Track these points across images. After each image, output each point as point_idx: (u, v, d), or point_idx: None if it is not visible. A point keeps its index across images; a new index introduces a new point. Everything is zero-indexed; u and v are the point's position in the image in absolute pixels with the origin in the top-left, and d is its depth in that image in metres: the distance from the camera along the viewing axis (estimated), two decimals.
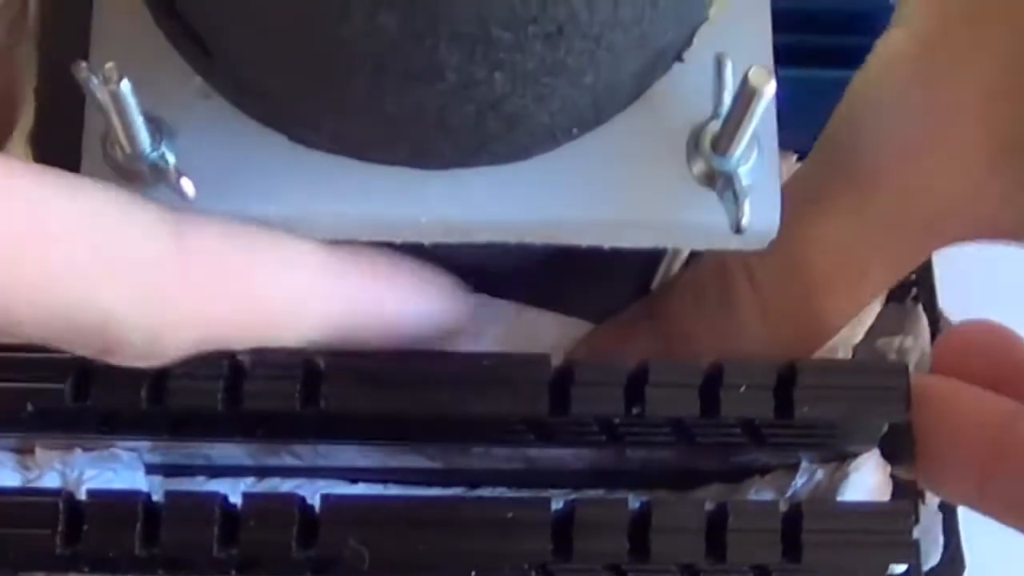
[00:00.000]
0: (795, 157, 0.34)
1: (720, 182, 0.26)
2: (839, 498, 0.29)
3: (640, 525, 0.27)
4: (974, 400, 0.29)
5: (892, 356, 0.33)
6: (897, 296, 0.34)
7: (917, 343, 0.34)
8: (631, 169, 0.27)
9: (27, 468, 0.29)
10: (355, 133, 0.26)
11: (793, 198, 0.28)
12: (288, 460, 0.30)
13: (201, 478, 0.30)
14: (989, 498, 0.28)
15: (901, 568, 0.29)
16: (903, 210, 0.28)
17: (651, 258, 0.31)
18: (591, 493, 0.30)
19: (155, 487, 0.27)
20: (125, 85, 0.24)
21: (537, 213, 0.26)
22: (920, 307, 0.35)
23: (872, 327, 0.33)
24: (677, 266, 0.31)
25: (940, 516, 0.33)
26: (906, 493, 0.30)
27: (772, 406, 0.27)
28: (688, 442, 0.28)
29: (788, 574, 0.27)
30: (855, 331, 0.33)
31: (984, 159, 0.27)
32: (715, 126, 0.26)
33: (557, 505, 0.27)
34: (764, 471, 0.30)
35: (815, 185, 0.29)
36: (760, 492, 0.30)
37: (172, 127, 0.26)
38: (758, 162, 0.26)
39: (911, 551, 0.27)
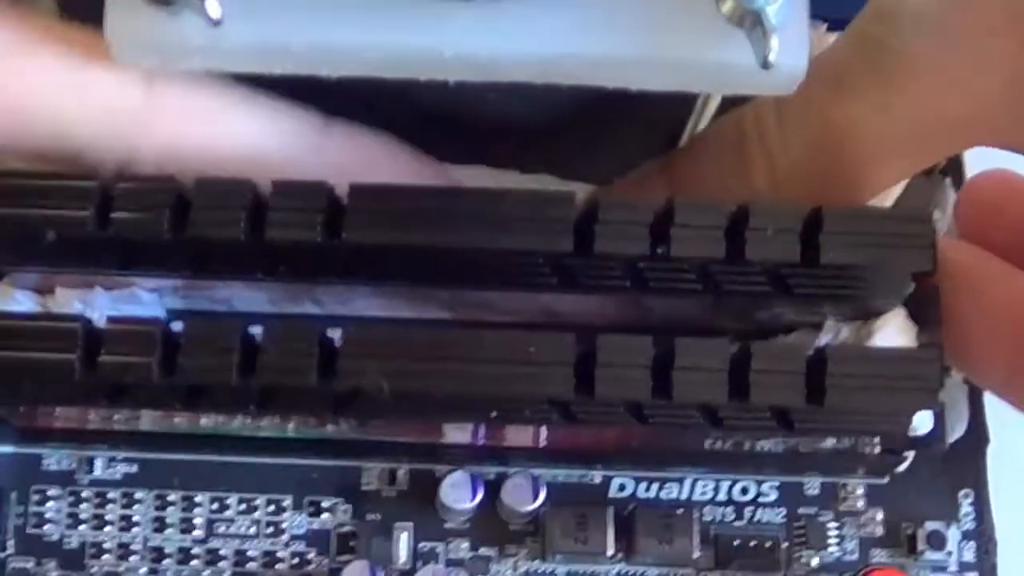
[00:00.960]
0: (824, 26, 0.34)
1: (748, 20, 0.26)
2: None
3: (662, 364, 0.26)
4: (1003, 275, 0.29)
5: None
6: (924, 169, 0.34)
7: (945, 216, 0.33)
8: (660, 7, 0.26)
9: (47, 308, 0.29)
10: None
11: (821, 77, 0.28)
12: (310, 308, 0.30)
13: None
14: (1017, 380, 0.28)
15: (927, 422, 0.29)
16: (931, 110, 0.28)
17: (677, 122, 0.31)
18: None
19: None
20: None
21: (563, 48, 0.26)
22: (948, 180, 0.34)
23: (898, 200, 0.33)
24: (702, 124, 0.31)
25: (966, 388, 0.33)
26: None
27: (798, 251, 0.27)
28: (712, 289, 0.27)
29: (810, 418, 0.27)
30: (882, 204, 0.33)
31: (1008, 71, 0.27)
32: None
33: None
34: (788, 330, 0.30)
35: (845, 70, 0.29)
36: None
37: None
38: (786, 2, 0.26)
39: (936, 398, 0.27)
